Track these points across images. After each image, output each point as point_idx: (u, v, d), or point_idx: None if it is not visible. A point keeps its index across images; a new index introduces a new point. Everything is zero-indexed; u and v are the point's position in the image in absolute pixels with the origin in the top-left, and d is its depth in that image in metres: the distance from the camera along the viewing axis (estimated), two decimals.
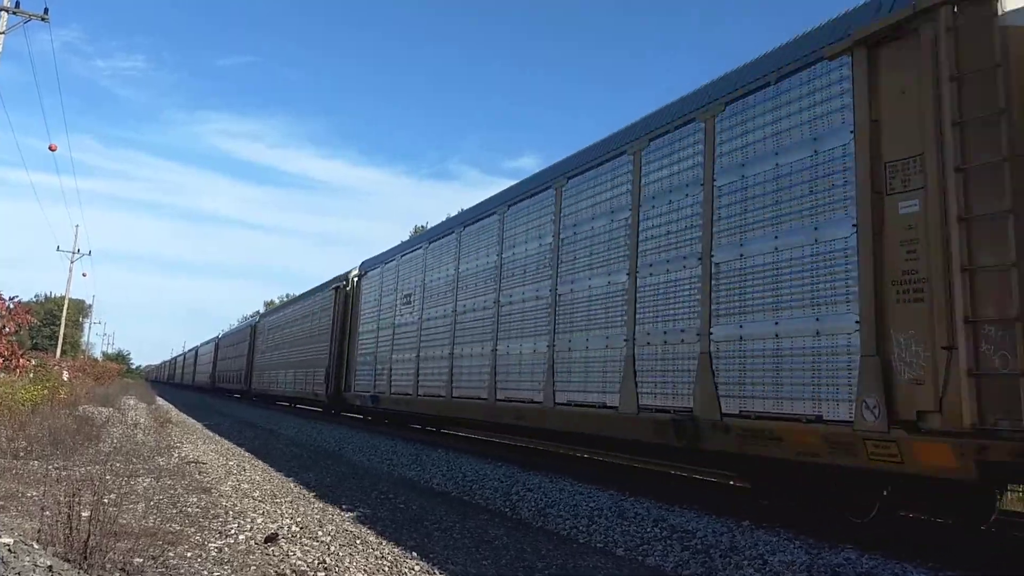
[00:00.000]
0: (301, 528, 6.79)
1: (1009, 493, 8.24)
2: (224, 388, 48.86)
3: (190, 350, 79.01)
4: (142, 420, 18.93)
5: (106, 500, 5.50)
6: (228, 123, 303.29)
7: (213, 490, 8.70)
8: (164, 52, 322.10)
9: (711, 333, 7.77)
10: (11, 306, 17.04)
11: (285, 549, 5.90)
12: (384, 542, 6.50)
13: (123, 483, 7.92)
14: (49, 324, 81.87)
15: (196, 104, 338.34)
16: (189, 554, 5.53)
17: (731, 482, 9.71)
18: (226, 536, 6.28)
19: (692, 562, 6.17)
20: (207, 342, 62.56)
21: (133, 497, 7.52)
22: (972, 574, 5.24)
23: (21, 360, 17.77)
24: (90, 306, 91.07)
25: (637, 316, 8.90)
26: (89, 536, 4.81)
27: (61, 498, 5.43)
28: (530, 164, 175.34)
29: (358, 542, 6.41)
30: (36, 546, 4.81)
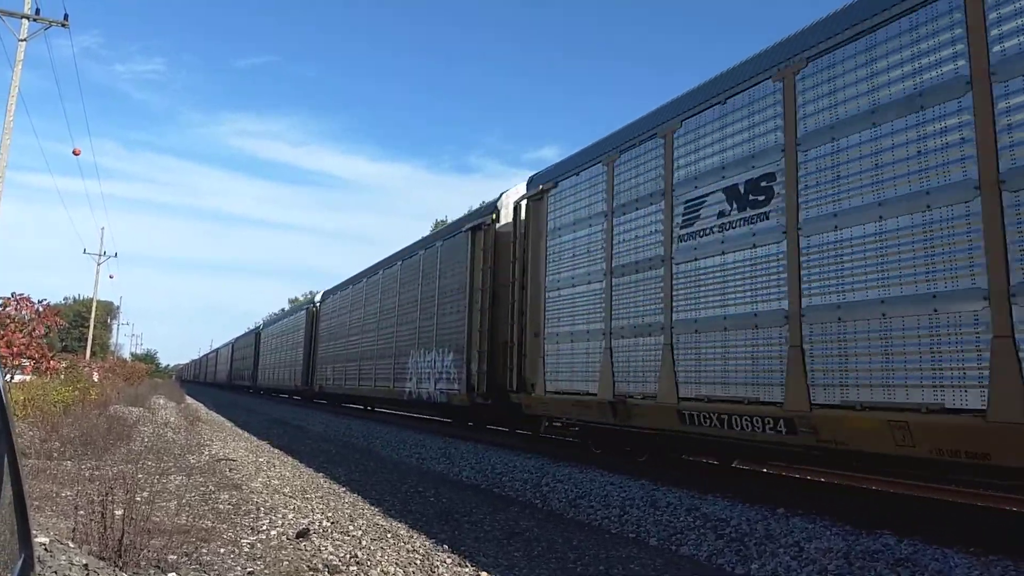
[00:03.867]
0: (332, 523, 6.79)
1: None
2: (270, 387, 40.39)
3: (224, 345, 73.17)
4: (172, 419, 19.11)
5: (139, 498, 5.52)
6: (247, 123, 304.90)
7: (244, 486, 8.74)
8: (182, 54, 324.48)
9: None
10: (40, 309, 17.28)
11: (317, 544, 5.90)
12: (415, 535, 6.49)
13: (155, 481, 7.97)
14: (78, 326, 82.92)
15: (215, 105, 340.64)
16: (222, 550, 5.54)
17: (764, 469, 9.60)
18: (258, 532, 6.30)
19: (727, 550, 6.10)
20: (244, 335, 56.00)
21: (165, 495, 7.56)
22: (1016, 559, 5.11)
23: (52, 362, 18.02)
24: (118, 307, 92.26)
25: None
26: (123, 534, 4.83)
27: (94, 497, 5.47)
28: (552, 155, 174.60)
29: (389, 536, 6.40)
30: (72, 545, 4.85)
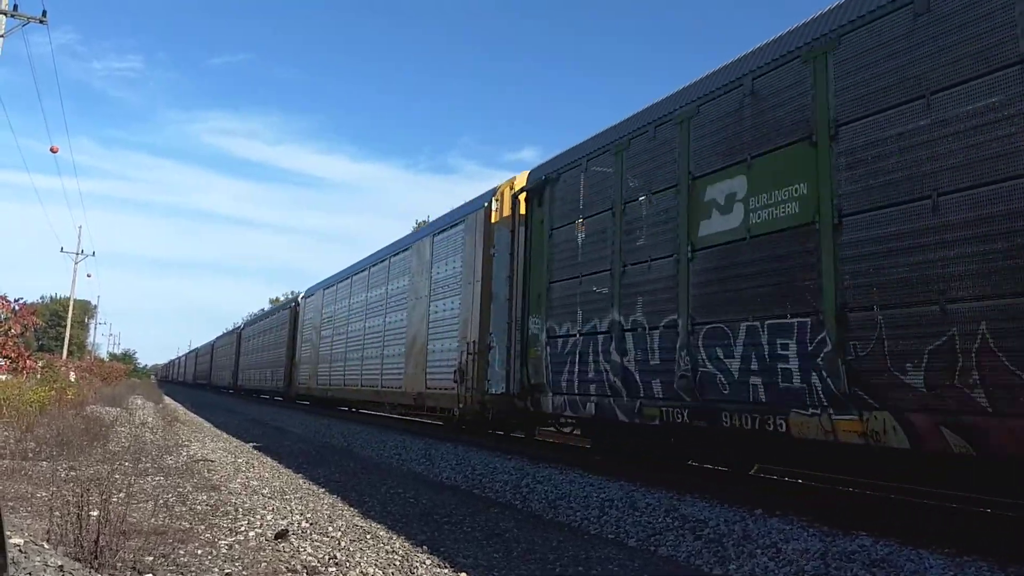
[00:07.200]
0: (311, 524, 6.76)
1: None
2: (251, 388, 39.63)
3: (204, 345, 72.89)
4: (150, 419, 18.94)
5: (115, 499, 5.47)
6: (224, 121, 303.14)
7: (222, 488, 8.68)
8: (159, 52, 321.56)
9: None
10: (16, 308, 17.07)
11: (295, 545, 5.87)
12: (394, 536, 6.47)
13: (132, 482, 7.90)
14: (55, 325, 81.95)
15: (191, 103, 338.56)
16: (200, 551, 5.50)
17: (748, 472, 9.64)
18: (236, 533, 6.26)
19: (705, 551, 6.13)
20: (226, 333, 56.25)
21: (142, 496, 7.50)
22: (990, 560, 5.18)
23: (28, 361, 17.80)
24: (95, 307, 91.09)
25: None
26: (99, 535, 4.79)
27: (70, 498, 5.41)
28: (531, 156, 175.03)
29: (368, 537, 6.38)
30: (47, 546, 4.79)
